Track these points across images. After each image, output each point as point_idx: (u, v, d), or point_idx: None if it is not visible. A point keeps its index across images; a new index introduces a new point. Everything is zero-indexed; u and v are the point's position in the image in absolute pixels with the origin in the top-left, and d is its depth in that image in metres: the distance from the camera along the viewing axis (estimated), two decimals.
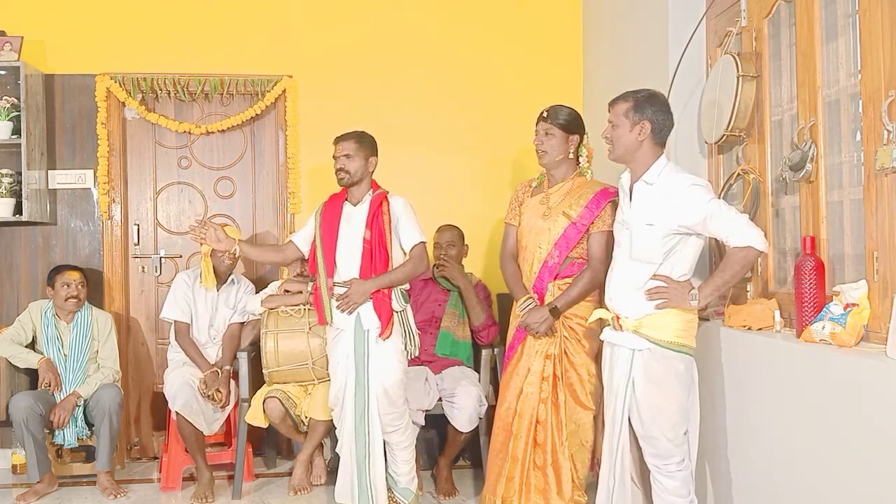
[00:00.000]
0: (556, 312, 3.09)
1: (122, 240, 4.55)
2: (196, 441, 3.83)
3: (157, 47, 4.49)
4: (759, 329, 2.77)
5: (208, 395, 3.86)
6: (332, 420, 3.54)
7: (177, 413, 3.77)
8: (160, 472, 4.13)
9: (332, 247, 3.38)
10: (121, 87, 4.43)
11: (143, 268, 4.64)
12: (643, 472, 2.80)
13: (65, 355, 3.98)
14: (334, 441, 3.49)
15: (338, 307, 3.29)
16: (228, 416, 4.02)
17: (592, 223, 3.12)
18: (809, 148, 2.64)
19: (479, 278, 4.26)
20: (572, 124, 3.18)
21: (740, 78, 2.97)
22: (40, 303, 4.10)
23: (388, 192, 3.43)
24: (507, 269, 3.31)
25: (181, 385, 3.81)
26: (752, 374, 2.69)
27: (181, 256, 4.66)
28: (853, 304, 2.35)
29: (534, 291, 3.17)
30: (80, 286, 4.04)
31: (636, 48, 3.85)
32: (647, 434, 2.68)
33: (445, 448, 3.90)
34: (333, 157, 3.41)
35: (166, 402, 3.86)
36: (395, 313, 3.35)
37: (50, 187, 4.43)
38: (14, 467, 4.21)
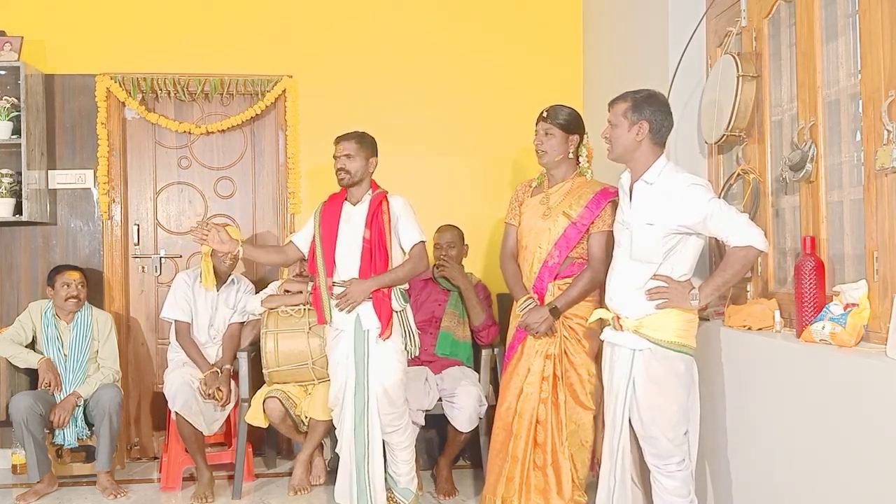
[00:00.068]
0: (556, 312, 3.09)
1: (122, 240, 4.55)
2: (196, 441, 3.83)
3: (157, 47, 4.49)
4: (759, 329, 2.77)
5: (209, 395, 3.85)
6: (332, 420, 3.54)
7: (176, 413, 3.77)
8: (160, 472, 4.13)
9: (332, 246, 3.38)
10: (121, 87, 4.43)
11: (143, 268, 4.64)
12: (643, 472, 2.80)
13: (65, 355, 3.98)
14: (334, 441, 3.49)
15: (336, 306, 3.29)
16: (228, 416, 4.02)
17: (592, 223, 3.12)
18: (809, 148, 2.64)
19: (479, 278, 4.26)
20: (572, 124, 3.18)
21: (740, 78, 2.97)
22: (40, 303, 4.10)
23: (387, 192, 3.43)
24: (507, 269, 3.31)
25: (181, 385, 3.81)
26: (752, 374, 2.69)
27: (181, 256, 4.66)
28: (853, 304, 2.35)
29: (534, 291, 3.17)
30: (80, 286, 4.04)
31: (636, 48, 3.85)
32: (647, 434, 2.68)
33: (445, 448, 3.90)
34: (334, 156, 3.40)
35: (166, 402, 3.86)
36: (394, 313, 3.35)
37: (50, 187, 4.43)
38: (14, 467, 4.22)
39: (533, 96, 4.22)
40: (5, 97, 4.15)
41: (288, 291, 3.97)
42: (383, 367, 3.29)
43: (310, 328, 3.80)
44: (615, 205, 2.99)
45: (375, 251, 3.30)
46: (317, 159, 4.50)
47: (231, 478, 3.96)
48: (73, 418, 3.88)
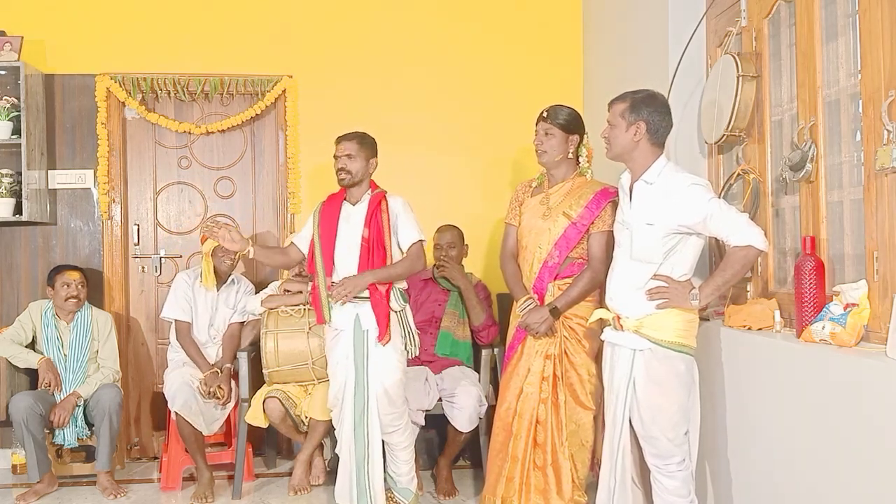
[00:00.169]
0: (556, 312, 3.09)
1: (122, 240, 4.55)
2: (195, 441, 3.83)
3: (157, 47, 4.49)
4: (759, 329, 2.77)
5: (209, 393, 3.85)
6: (332, 420, 3.54)
7: (176, 413, 3.77)
8: (160, 472, 4.13)
9: (331, 246, 3.38)
10: (121, 87, 4.43)
11: (143, 268, 4.64)
12: (643, 473, 2.80)
13: (65, 355, 3.98)
14: (334, 441, 3.49)
15: (329, 296, 3.26)
16: (228, 416, 4.02)
17: (592, 223, 3.12)
18: (809, 148, 2.64)
19: (479, 278, 4.26)
20: (572, 124, 3.18)
21: (740, 78, 2.97)
22: (40, 303, 4.10)
23: (386, 192, 3.43)
24: (507, 269, 3.31)
25: (180, 385, 3.82)
26: (752, 374, 2.69)
27: (181, 256, 4.66)
28: (853, 304, 2.35)
29: (534, 291, 3.17)
30: (80, 286, 4.04)
31: (636, 48, 3.85)
32: (647, 434, 2.68)
33: (445, 448, 3.90)
34: (334, 156, 3.40)
35: (166, 402, 3.86)
36: (394, 313, 3.35)
37: (50, 187, 4.43)
38: (14, 467, 4.22)
39: (533, 96, 4.22)
40: (5, 97, 4.15)
41: (288, 291, 3.97)
42: (383, 367, 3.29)
43: (310, 328, 3.81)
44: (615, 205, 2.99)
45: (374, 250, 3.30)
46: (317, 159, 4.50)
47: (231, 478, 3.96)
48: (73, 418, 3.88)
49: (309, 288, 3.72)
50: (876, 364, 2.12)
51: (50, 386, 3.88)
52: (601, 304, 3.04)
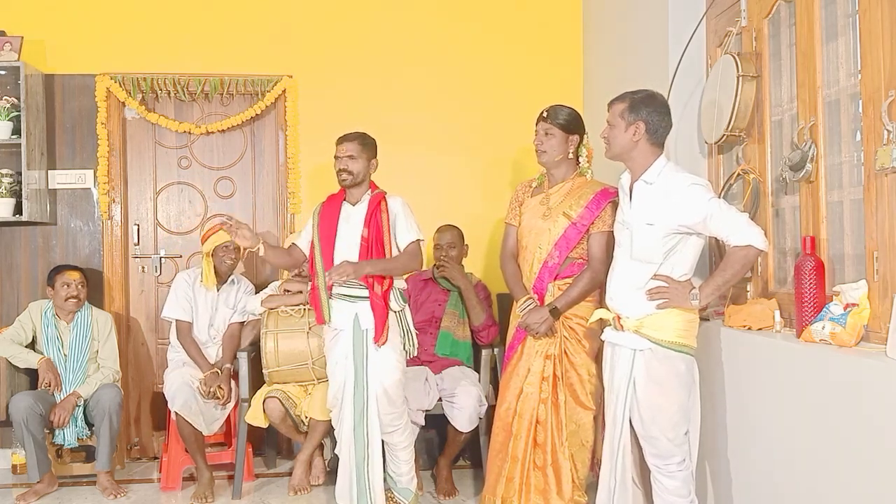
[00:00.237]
0: (556, 313, 3.09)
1: (122, 240, 4.55)
2: (195, 441, 3.83)
3: (157, 47, 4.49)
4: (759, 329, 2.77)
5: (210, 393, 3.85)
6: (331, 420, 3.53)
7: (176, 413, 3.77)
8: (160, 472, 4.13)
9: (331, 246, 3.37)
10: (121, 87, 4.43)
11: (143, 268, 4.64)
12: (644, 473, 2.80)
13: (65, 355, 3.98)
14: (334, 441, 3.49)
15: (327, 275, 3.22)
16: (228, 416, 4.02)
17: (592, 223, 3.12)
18: (809, 148, 2.64)
19: (479, 278, 4.26)
20: (572, 124, 3.18)
21: (740, 78, 2.97)
22: (40, 303, 4.10)
23: (386, 193, 3.43)
24: (507, 270, 3.31)
25: (180, 385, 3.82)
26: (752, 374, 2.69)
27: (181, 256, 4.66)
28: (853, 304, 2.35)
29: (534, 292, 3.17)
30: (80, 286, 4.04)
31: (636, 48, 3.85)
32: (647, 434, 2.68)
33: (445, 448, 3.90)
34: (335, 156, 3.40)
35: (166, 402, 3.86)
36: (393, 313, 3.35)
37: (50, 187, 4.43)
38: (14, 467, 4.22)
39: (533, 96, 4.21)
40: (5, 97, 4.15)
41: (288, 291, 3.97)
42: (382, 367, 3.29)
43: (310, 328, 3.81)
44: (615, 205, 2.99)
45: (373, 250, 3.30)
46: (317, 159, 4.50)
47: (231, 478, 3.95)
48: (73, 418, 3.88)
49: (309, 288, 3.72)
50: (876, 364, 2.12)
51: (50, 386, 3.88)
52: (601, 304, 3.04)
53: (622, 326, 2.72)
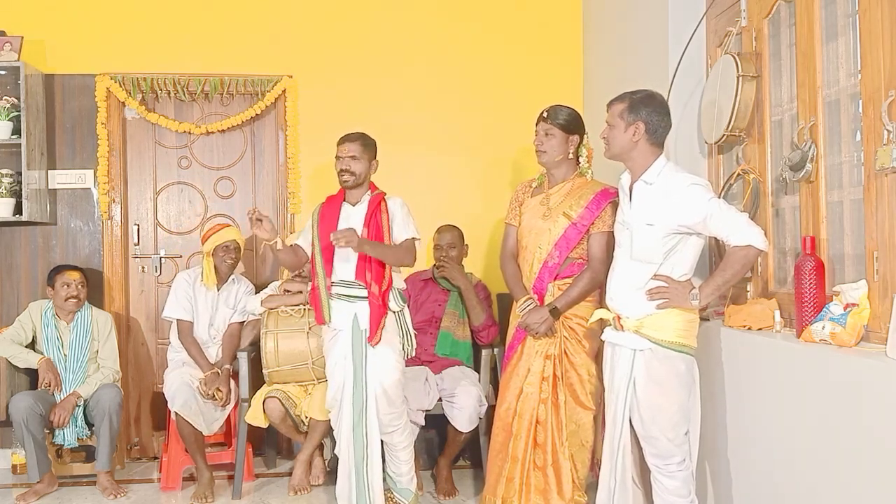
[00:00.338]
0: (555, 313, 3.09)
1: (122, 240, 4.55)
2: (195, 441, 3.83)
3: (157, 47, 4.49)
4: (759, 329, 2.77)
5: (209, 395, 3.86)
6: (331, 420, 3.53)
7: (176, 413, 3.77)
8: (160, 472, 4.13)
9: (331, 246, 3.37)
10: (121, 87, 4.43)
11: (143, 268, 4.64)
12: (644, 472, 2.80)
13: (65, 355, 3.98)
14: (334, 441, 3.49)
15: (332, 235, 3.17)
16: (228, 416, 4.02)
17: (593, 223, 3.12)
18: (809, 148, 2.64)
19: (479, 278, 4.26)
20: (572, 124, 3.18)
21: (740, 78, 2.97)
22: (40, 303, 4.10)
23: (385, 193, 3.43)
24: (507, 270, 3.31)
25: (180, 385, 3.82)
26: (752, 374, 2.69)
27: (181, 256, 4.66)
28: (853, 304, 2.35)
29: (534, 292, 3.17)
30: (80, 286, 4.04)
31: (636, 48, 3.85)
32: (647, 434, 2.68)
33: (445, 448, 3.90)
34: (337, 157, 3.40)
35: (166, 402, 3.86)
36: (392, 313, 3.35)
37: (50, 187, 4.43)
38: (14, 467, 4.22)
39: (533, 96, 4.21)
40: (5, 97, 4.15)
41: (288, 291, 3.97)
42: (381, 367, 3.29)
43: (309, 328, 3.81)
44: (615, 205, 2.99)
45: None
46: (317, 159, 4.50)
47: (231, 478, 3.95)
48: (73, 418, 3.88)
49: (309, 288, 3.72)
50: (876, 364, 2.12)
51: (50, 386, 3.88)
52: (601, 304, 3.04)
53: (622, 326, 2.72)
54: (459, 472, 4.17)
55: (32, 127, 4.19)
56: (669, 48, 3.42)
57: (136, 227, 4.63)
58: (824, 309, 2.44)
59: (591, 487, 3.13)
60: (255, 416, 3.83)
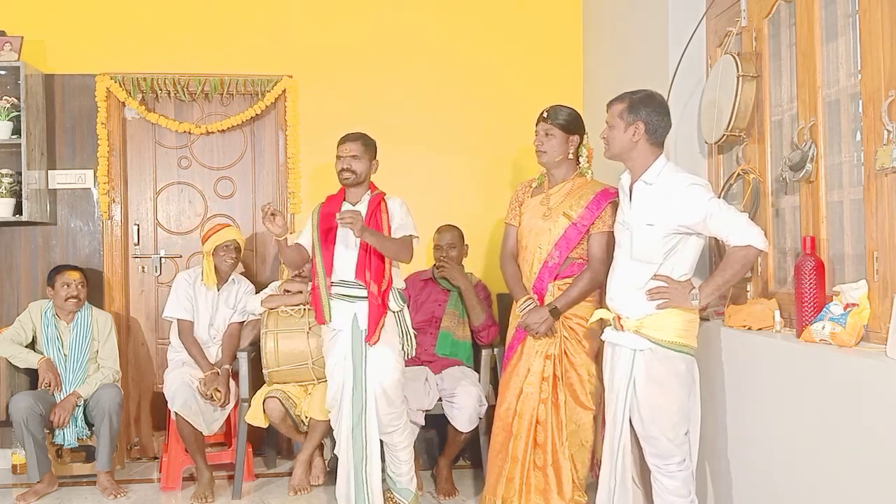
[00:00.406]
0: (555, 313, 3.09)
1: (122, 240, 4.55)
2: (195, 441, 3.83)
3: (157, 47, 4.49)
4: (759, 329, 2.77)
5: (207, 395, 3.85)
6: (331, 420, 3.53)
7: (176, 413, 3.77)
8: (160, 472, 4.13)
9: (331, 246, 3.38)
10: (121, 87, 4.43)
11: (143, 268, 4.64)
12: (644, 472, 2.80)
13: (65, 355, 3.98)
14: (334, 441, 3.49)
15: (336, 216, 3.17)
16: (228, 416, 4.02)
17: (593, 224, 3.12)
18: (809, 148, 2.64)
19: (479, 278, 4.26)
20: (572, 124, 3.18)
21: (740, 78, 2.97)
22: (40, 303, 4.10)
23: (385, 193, 3.43)
24: (507, 270, 3.31)
25: (180, 385, 3.82)
26: (752, 374, 2.69)
27: (181, 256, 4.66)
28: (853, 304, 2.35)
29: (534, 292, 3.17)
30: (80, 286, 4.04)
31: (636, 48, 3.85)
32: (647, 434, 2.68)
33: (445, 448, 3.90)
34: (338, 156, 3.40)
35: (166, 402, 3.86)
36: (392, 313, 3.35)
37: (50, 187, 4.43)
38: (14, 467, 4.21)
39: (533, 96, 4.21)
40: (5, 97, 4.15)
41: (288, 291, 3.97)
42: (381, 367, 3.29)
43: (309, 328, 3.81)
44: (615, 205, 2.99)
45: (372, 250, 3.29)
46: (317, 159, 4.50)
47: (231, 478, 3.95)
48: (73, 418, 3.88)
49: (309, 288, 3.72)
50: (876, 364, 2.12)
51: (50, 386, 3.88)
52: (601, 304, 3.04)
53: (622, 326, 2.72)
54: (459, 472, 4.17)
55: (32, 127, 4.19)
56: (669, 48, 3.42)
57: (136, 227, 4.63)
58: (824, 309, 2.44)
59: (591, 487, 3.13)
60: (255, 416, 3.83)
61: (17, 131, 4.17)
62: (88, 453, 4.10)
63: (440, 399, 3.81)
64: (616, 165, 2.86)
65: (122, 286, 4.53)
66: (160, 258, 4.64)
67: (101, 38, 4.47)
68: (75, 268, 4.11)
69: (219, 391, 3.88)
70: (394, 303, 3.34)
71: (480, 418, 3.77)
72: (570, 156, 3.20)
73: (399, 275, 3.44)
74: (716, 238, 2.73)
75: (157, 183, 4.65)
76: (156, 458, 4.51)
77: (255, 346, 4.01)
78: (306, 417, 3.82)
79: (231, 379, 4.00)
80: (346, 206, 3.38)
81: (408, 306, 3.51)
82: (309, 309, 3.78)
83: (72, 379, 3.95)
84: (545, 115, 3.19)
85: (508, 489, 3.16)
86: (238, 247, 4.12)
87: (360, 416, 3.29)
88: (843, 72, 2.54)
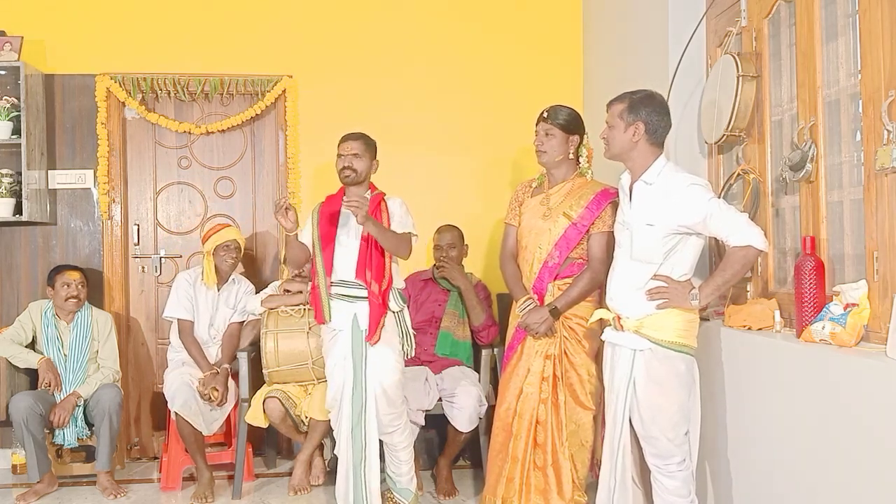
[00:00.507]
0: (555, 313, 3.09)
1: (122, 240, 4.55)
2: (195, 441, 3.83)
3: (157, 47, 4.49)
4: (759, 329, 2.77)
5: (205, 395, 3.85)
6: (331, 421, 3.53)
7: (176, 413, 3.77)
8: (160, 472, 4.13)
9: (331, 246, 3.38)
10: (121, 87, 4.43)
11: (143, 268, 4.64)
12: (644, 472, 2.80)
13: (65, 355, 3.99)
14: (334, 441, 3.49)
15: (343, 200, 3.18)
16: (228, 416, 4.02)
17: (593, 224, 3.12)
18: (809, 148, 2.64)
19: (479, 278, 4.26)
20: (572, 124, 3.18)
21: (740, 78, 2.97)
22: (40, 303, 4.10)
23: (384, 193, 3.43)
24: (507, 270, 3.31)
25: (180, 385, 3.82)
26: (752, 374, 2.69)
27: (181, 256, 4.66)
28: (853, 304, 2.35)
29: (534, 292, 3.17)
30: (80, 286, 4.04)
31: (636, 48, 3.85)
32: (647, 434, 2.68)
33: (445, 448, 3.90)
34: (339, 154, 3.39)
35: (166, 402, 3.86)
36: (392, 314, 3.35)
37: (50, 187, 4.43)
38: (14, 467, 4.22)
39: (533, 96, 4.21)
40: (5, 97, 4.15)
41: (288, 291, 3.97)
42: (381, 367, 3.29)
43: (309, 328, 3.81)
44: (615, 205, 2.99)
45: (372, 249, 3.29)
46: (317, 159, 4.50)
47: (231, 478, 3.96)
48: (73, 418, 3.88)
49: (309, 288, 3.72)
50: (876, 364, 2.12)
51: (50, 386, 3.88)
52: (601, 304, 3.04)
53: (622, 326, 2.72)
54: (459, 472, 4.17)
55: (32, 127, 4.19)
56: (669, 48, 3.42)
57: (136, 227, 4.63)
58: (824, 309, 2.44)
59: (591, 487, 3.13)
60: (255, 416, 3.83)
61: (17, 131, 4.17)
62: (88, 453, 4.10)
63: (440, 399, 3.81)
64: (616, 165, 2.86)
65: (122, 286, 4.53)
66: (160, 258, 4.64)
67: (101, 38, 4.47)
68: (75, 268, 4.11)
69: (216, 390, 3.88)
70: (394, 303, 3.34)
71: (480, 418, 3.77)
72: (570, 156, 3.20)
73: (399, 274, 3.44)
74: (716, 238, 2.73)
75: (157, 183, 4.65)
76: (156, 458, 4.51)
77: (255, 346, 4.01)
78: (306, 417, 3.82)
79: (231, 379, 4.00)
80: (344, 211, 3.37)
81: (408, 306, 3.51)
82: (309, 309, 3.78)
83: (72, 379, 3.95)
84: (545, 114, 3.19)
85: (508, 489, 3.16)
86: (238, 247, 4.13)
87: (359, 416, 3.29)
88: (843, 72, 2.54)
